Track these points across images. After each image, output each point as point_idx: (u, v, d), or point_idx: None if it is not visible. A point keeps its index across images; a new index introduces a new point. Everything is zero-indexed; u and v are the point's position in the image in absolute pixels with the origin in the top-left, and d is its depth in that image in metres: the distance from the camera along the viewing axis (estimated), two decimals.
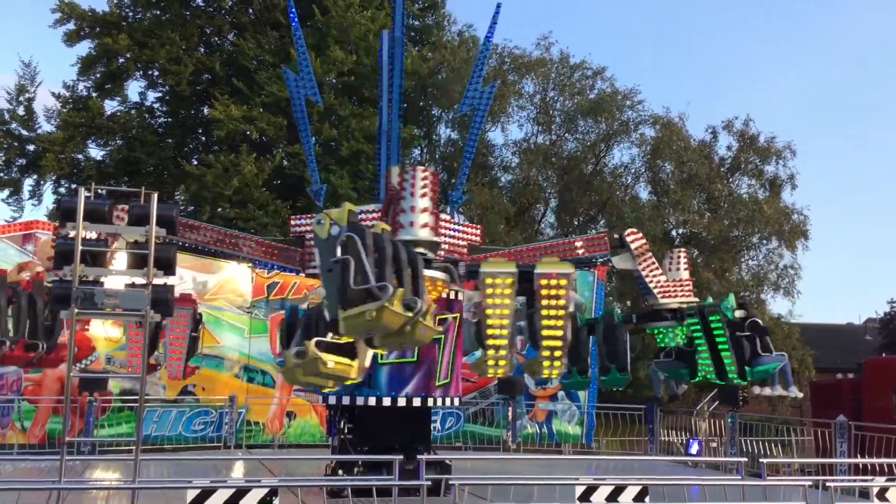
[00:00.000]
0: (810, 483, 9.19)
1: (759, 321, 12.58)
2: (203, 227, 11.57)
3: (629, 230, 13.10)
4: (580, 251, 12.96)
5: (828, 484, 9.05)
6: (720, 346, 12.25)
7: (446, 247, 11.70)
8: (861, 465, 12.97)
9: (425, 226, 9.65)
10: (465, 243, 12.21)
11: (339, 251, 7.76)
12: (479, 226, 13.17)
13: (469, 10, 67.54)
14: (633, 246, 12.81)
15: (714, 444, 19.36)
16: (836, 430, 15.65)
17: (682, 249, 13.52)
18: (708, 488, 9.85)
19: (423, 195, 9.93)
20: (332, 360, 7.86)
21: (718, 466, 16.54)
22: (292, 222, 12.66)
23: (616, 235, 13.21)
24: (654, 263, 12.86)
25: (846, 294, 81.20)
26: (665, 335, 13.62)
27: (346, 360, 8.00)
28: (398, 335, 7.83)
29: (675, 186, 34.14)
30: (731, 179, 35.83)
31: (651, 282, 12.77)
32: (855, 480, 11.83)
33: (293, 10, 13.32)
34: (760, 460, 11.08)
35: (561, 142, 36.40)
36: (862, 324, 47.20)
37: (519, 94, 35.53)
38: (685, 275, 13.00)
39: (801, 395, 15.90)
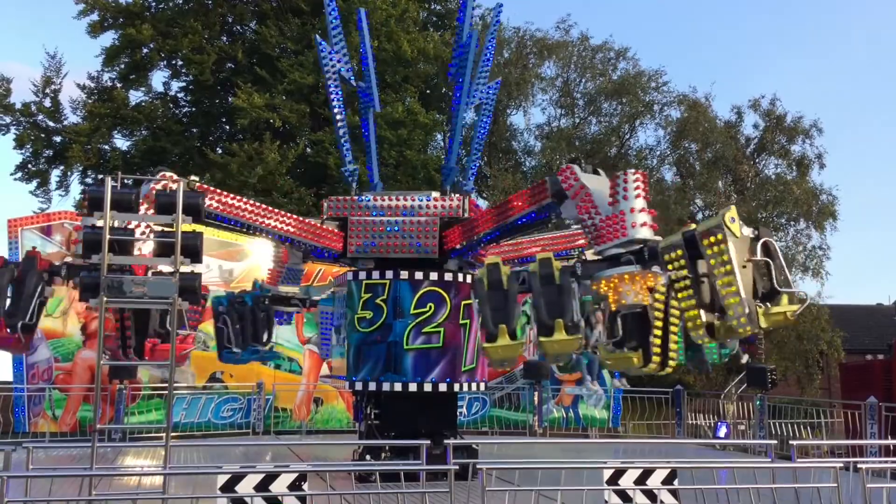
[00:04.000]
0: (841, 465, 9.08)
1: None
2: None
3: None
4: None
5: (858, 466, 8.95)
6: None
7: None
8: (892, 447, 12.86)
9: (644, 224, 9.14)
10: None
11: None
12: (460, 196, 12.23)
13: None
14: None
15: (742, 427, 19.24)
16: (867, 411, 15.48)
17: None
18: (737, 471, 9.78)
19: (637, 196, 9.35)
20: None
21: (747, 449, 16.44)
22: (335, 203, 12.12)
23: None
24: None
25: (875, 275, 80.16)
26: None
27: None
28: None
29: (700, 168, 33.90)
30: (757, 160, 35.50)
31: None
32: (886, 462, 11.71)
33: None
34: (791, 442, 10.99)
35: (584, 125, 36.21)
36: (892, 304, 46.59)
37: (541, 78, 35.36)
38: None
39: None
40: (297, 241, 11.64)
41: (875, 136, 79.16)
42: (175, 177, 10.02)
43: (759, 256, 8.59)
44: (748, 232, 8.64)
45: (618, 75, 35.28)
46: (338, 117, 13.05)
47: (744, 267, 8.46)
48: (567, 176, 9.61)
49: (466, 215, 11.84)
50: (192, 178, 10.90)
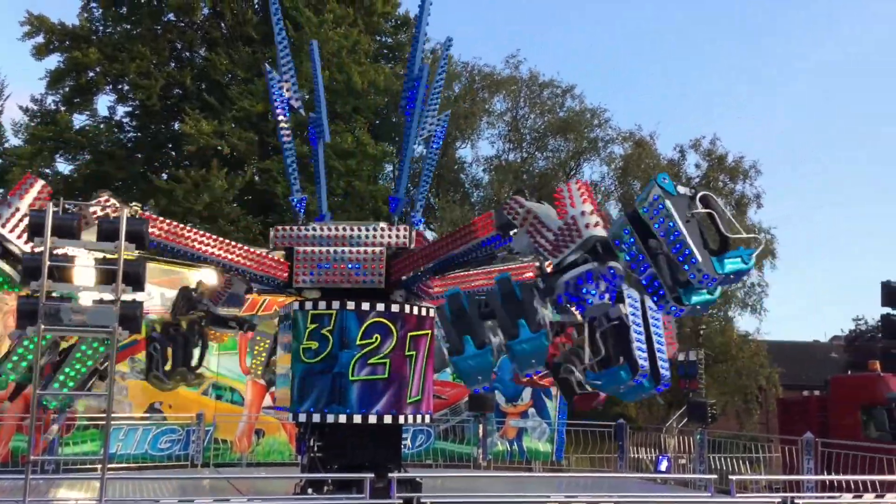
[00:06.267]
0: (779, 500, 9.27)
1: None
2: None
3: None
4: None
5: (796, 501, 9.13)
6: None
7: None
8: (828, 482, 13.13)
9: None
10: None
11: None
12: (405, 226, 12.17)
13: (444, 28, 67.93)
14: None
15: (683, 461, 19.46)
16: (804, 447, 15.79)
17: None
18: None
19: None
20: None
21: (688, 483, 16.61)
22: (281, 232, 11.87)
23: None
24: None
25: (812, 312, 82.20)
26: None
27: None
28: None
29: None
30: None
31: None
32: (822, 497, 11.95)
33: (278, 13, 13.21)
34: (730, 477, 11.13)
35: (532, 159, 36.66)
36: (828, 341, 47.76)
37: (489, 112, 35.77)
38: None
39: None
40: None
41: (813, 176, 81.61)
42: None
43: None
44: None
45: (564, 112, 35.86)
46: (286, 146, 13.00)
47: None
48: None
49: (413, 246, 11.85)
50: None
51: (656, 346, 9.32)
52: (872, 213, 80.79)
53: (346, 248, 11.69)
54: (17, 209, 9.53)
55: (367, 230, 11.79)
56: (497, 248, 10.51)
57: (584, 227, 9.08)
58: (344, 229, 11.80)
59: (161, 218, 10.92)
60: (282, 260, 11.81)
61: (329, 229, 11.84)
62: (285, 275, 11.72)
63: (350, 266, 11.62)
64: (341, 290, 11.67)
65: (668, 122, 74.10)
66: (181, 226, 10.89)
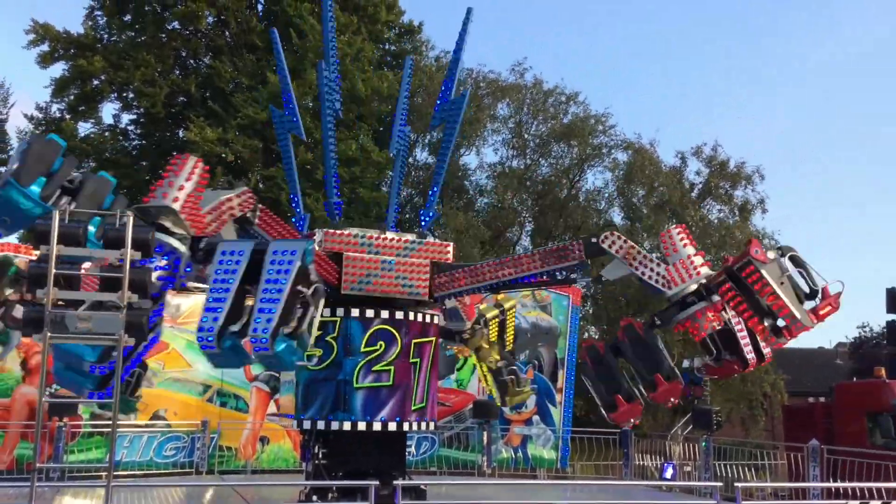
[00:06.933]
0: None
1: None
2: None
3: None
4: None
5: None
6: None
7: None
8: (834, 490, 13.07)
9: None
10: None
11: None
12: (448, 243, 12.44)
13: (447, 35, 68.09)
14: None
15: (688, 469, 19.41)
16: (809, 454, 15.75)
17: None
18: None
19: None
20: None
21: (693, 491, 16.57)
22: (331, 235, 11.72)
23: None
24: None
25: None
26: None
27: None
28: None
29: (647, 211, 34.47)
30: (702, 205, 36.24)
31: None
32: None
33: (277, 44, 13.29)
34: (735, 485, 11.10)
35: (535, 166, 36.69)
36: (833, 348, 47.68)
37: (493, 118, 35.82)
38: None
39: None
40: None
41: (812, 180, 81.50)
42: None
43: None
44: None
45: (568, 118, 35.92)
46: (290, 175, 13.09)
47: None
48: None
49: (450, 259, 11.90)
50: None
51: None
52: (874, 215, 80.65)
53: (394, 259, 11.63)
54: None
55: (415, 242, 11.76)
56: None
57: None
58: (392, 240, 11.73)
59: None
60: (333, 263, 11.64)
61: (378, 238, 11.73)
62: (335, 279, 11.61)
63: (397, 277, 11.58)
64: (346, 296, 11.63)
65: (669, 122, 73.89)
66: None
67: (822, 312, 10.63)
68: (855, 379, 28.85)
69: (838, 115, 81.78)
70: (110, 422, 8.56)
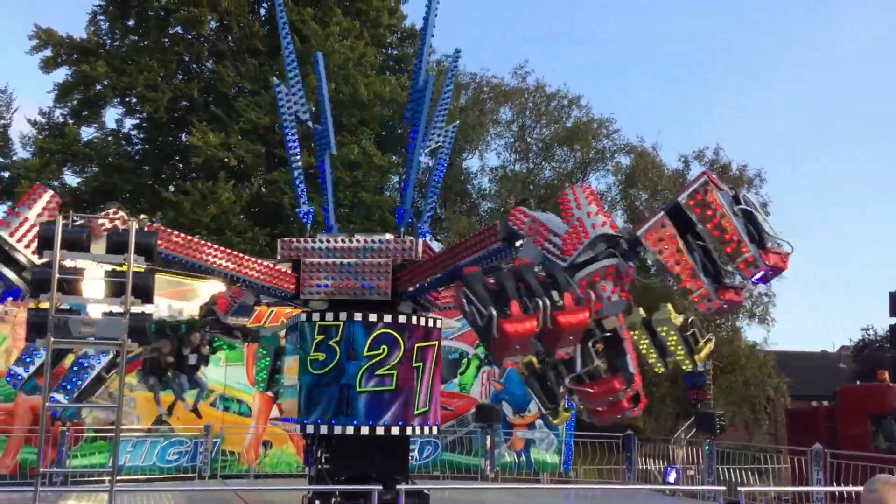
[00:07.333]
0: None
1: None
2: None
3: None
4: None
5: None
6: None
7: None
8: (837, 493, 13.06)
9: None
10: None
11: None
12: (412, 238, 12.13)
13: (450, 40, 68.32)
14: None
15: (691, 473, 19.38)
16: (812, 457, 15.72)
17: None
18: None
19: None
20: None
21: (696, 495, 16.55)
22: (289, 244, 11.83)
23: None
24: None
25: (820, 322, 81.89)
26: None
27: None
28: None
29: (650, 215, 34.52)
30: None
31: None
32: None
33: (285, 26, 13.28)
34: (739, 489, 11.09)
35: (538, 170, 36.73)
36: (836, 351, 47.62)
37: (496, 123, 35.87)
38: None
39: None
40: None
41: (812, 180, 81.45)
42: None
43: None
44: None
45: (570, 122, 35.96)
46: (294, 159, 13.05)
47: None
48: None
49: (419, 258, 11.85)
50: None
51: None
52: (874, 215, 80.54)
53: (353, 260, 11.70)
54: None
55: (374, 242, 11.81)
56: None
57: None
58: (350, 241, 11.81)
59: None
60: (289, 272, 11.83)
61: (336, 241, 11.85)
62: (293, 286, 11.75)
63: (356, 278, 11.65)
64: (349, 301, 11.69)
65: (670, 123, 73.91)
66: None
67: (770, 263, 8.45)
68: (858, 382, 28.81)
69: (838, 115, 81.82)
70: (113, 426, 8.57)
